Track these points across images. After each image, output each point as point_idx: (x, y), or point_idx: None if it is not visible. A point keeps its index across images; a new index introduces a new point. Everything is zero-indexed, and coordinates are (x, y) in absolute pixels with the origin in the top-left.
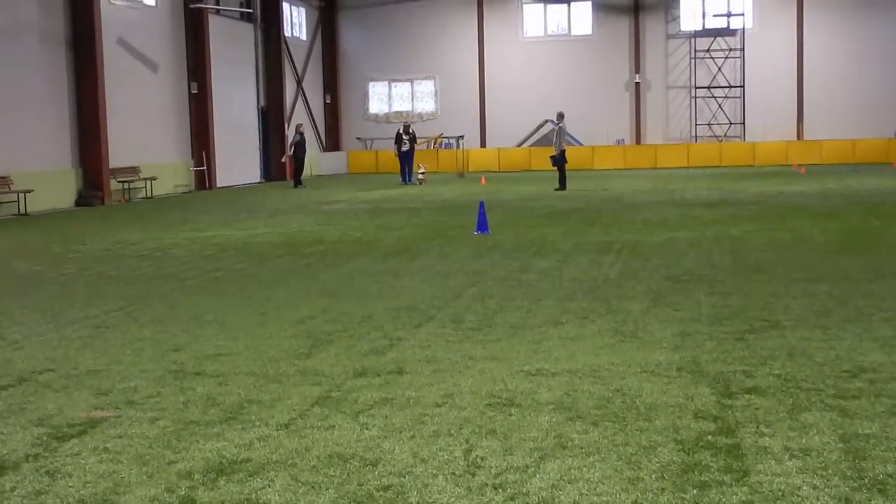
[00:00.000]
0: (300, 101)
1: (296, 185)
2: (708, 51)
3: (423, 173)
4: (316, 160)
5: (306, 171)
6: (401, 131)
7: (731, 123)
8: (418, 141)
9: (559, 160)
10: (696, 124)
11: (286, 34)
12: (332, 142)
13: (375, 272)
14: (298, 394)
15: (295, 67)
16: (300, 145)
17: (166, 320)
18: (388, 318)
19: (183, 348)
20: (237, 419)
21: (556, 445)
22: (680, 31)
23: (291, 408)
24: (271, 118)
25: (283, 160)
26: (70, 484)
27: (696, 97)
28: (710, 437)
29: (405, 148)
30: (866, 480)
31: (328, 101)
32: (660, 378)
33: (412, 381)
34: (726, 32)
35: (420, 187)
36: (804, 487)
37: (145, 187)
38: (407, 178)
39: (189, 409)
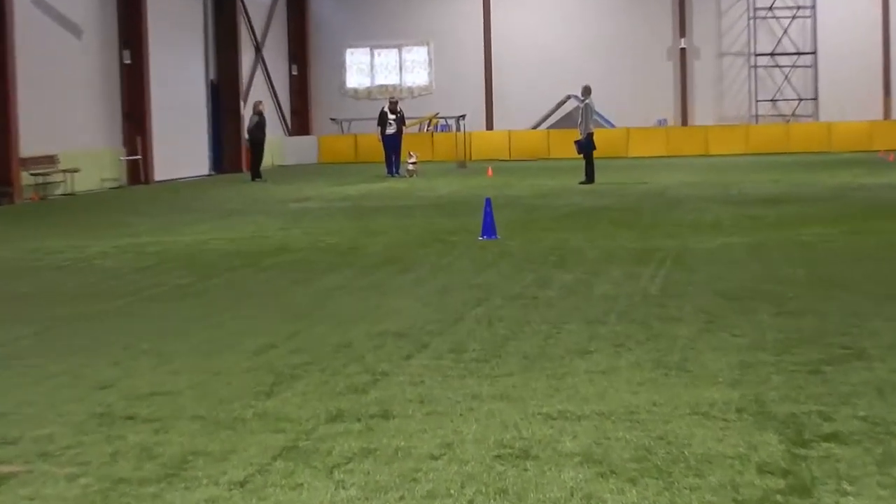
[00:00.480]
0: (260, 74)
1: (254, 178)
2: (771, 8)
3: (413, 163)
4: (279, 147)
5: (267, 160)
6: (386, 110)
7: (800, 99)
8: (408, 122)
9: (586, 146)
10: (756, 101)
11: None
12: (300, 124)
13: (355, 288)
14: (257, 444)
15: (253, 31)
16: (259, 128)
17: (91, 350)
18: (371, 346)
19: (111, 385)
20: (179, 476)
21: None
22: None
23: (248, 461)
24: (224, 95)
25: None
26: None
27: (756, 66)
28: (778, 496)
29: (391, 131)
30: None
31: (295, 74)
32: (714, 422)
33: (401, 427)
34: None
35: (410, 180)
36: None
37: (65, 182)
38: (394, 170)
39: (118, 464)
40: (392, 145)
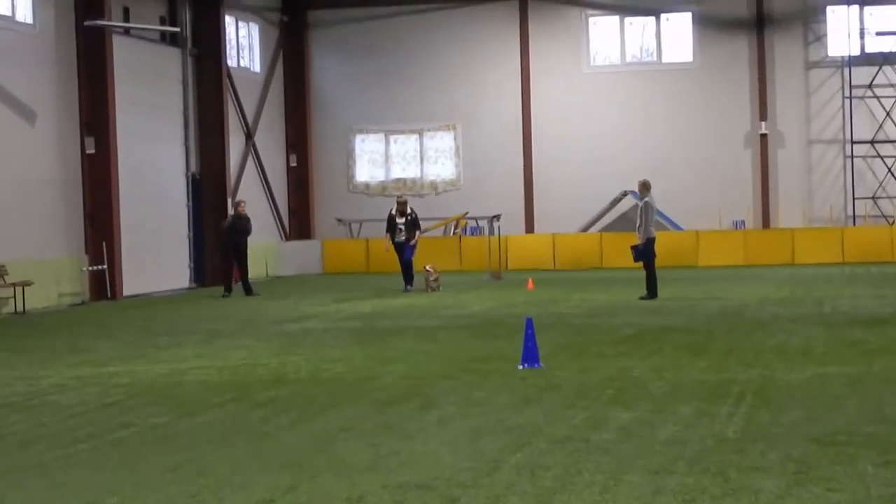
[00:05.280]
0: (251, 165)
1: (247, 293)
2: (870, 86)
3: (434, 280)
4: (275, 253)
5: (260, 270)
6: (393, 212)
7: None
8: (431, 225)
9: (644, 252)
10: (853, 198)
11: (230, 64)
12: (300, 225)
13: (367, 430)
14: None
15: (243, 114)
16: (236, 230)
17: None
18: (389, 501)
19: None
20: None
21: None
22: (827, 57)
23: None
24: (207, 190)
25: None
26: None
27: (852, 156)
28: None
29: (401, 238)
30: None
31: (293, 165)
32: None
33: None
34: None
35: (434, 295)
36: None
37: (14, 297)
38: (407, 283)
39: None
40: (404, 255)
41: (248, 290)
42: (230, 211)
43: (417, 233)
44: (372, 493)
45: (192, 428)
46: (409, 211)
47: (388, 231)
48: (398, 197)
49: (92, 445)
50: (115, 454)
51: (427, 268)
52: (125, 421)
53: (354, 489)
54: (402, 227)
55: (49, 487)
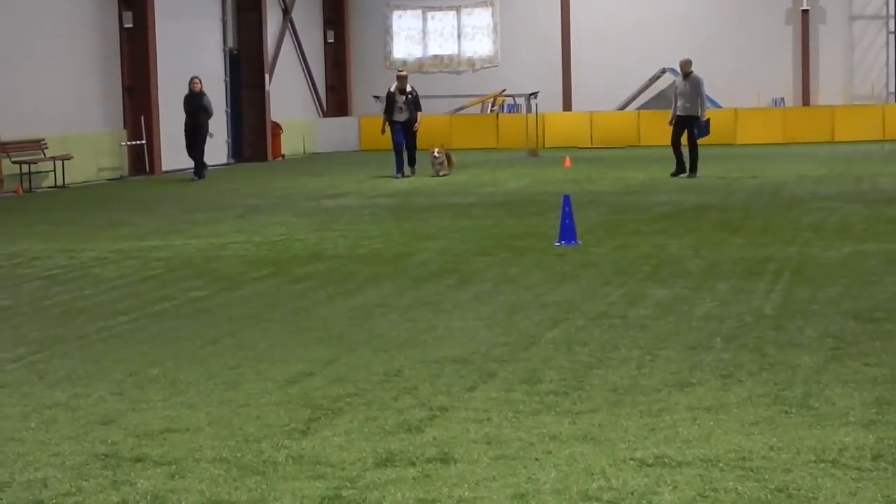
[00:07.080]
0: (288, 42)
1: (196, 175)
2: None
3: (440, 163)
4: (312, 130)
5: (297, 146)
6: (392, 90)
7: None
8: (467, 102)
9: (706, 128)
10: (895, 75)
11: None
12: (337, 102)
13: (404, 305)
14: (291, 492)
15: None
16: (189, 109)
17: (89, 378)
18: (426, 375)
19: (115, 420)
20: None
21: None
22: None
23: None
24: (245, 67)
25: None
26: None
27: (895, 33)
28: None
29: (401, 118)
30: None
31: (331, 41)
32: (846, 471)
33: (464, 474)
34: None
35: (469, 172)
36: None
37: (54, 171)
38: (400, 169)
39: None
40: (402, 137)
41: (197, 172)
42: (269, 87)
43: (420, 114)
44: (409, 368)
45: (230, 302)
46: (409, 88)
47: (386, 111)
48: (398, 71)
49: (133, 318)
50: (156, 326)
51: (434, 151)
52: (165, 294)
53: (392, 363)
54: (403, 106)
55: (91, 359)
